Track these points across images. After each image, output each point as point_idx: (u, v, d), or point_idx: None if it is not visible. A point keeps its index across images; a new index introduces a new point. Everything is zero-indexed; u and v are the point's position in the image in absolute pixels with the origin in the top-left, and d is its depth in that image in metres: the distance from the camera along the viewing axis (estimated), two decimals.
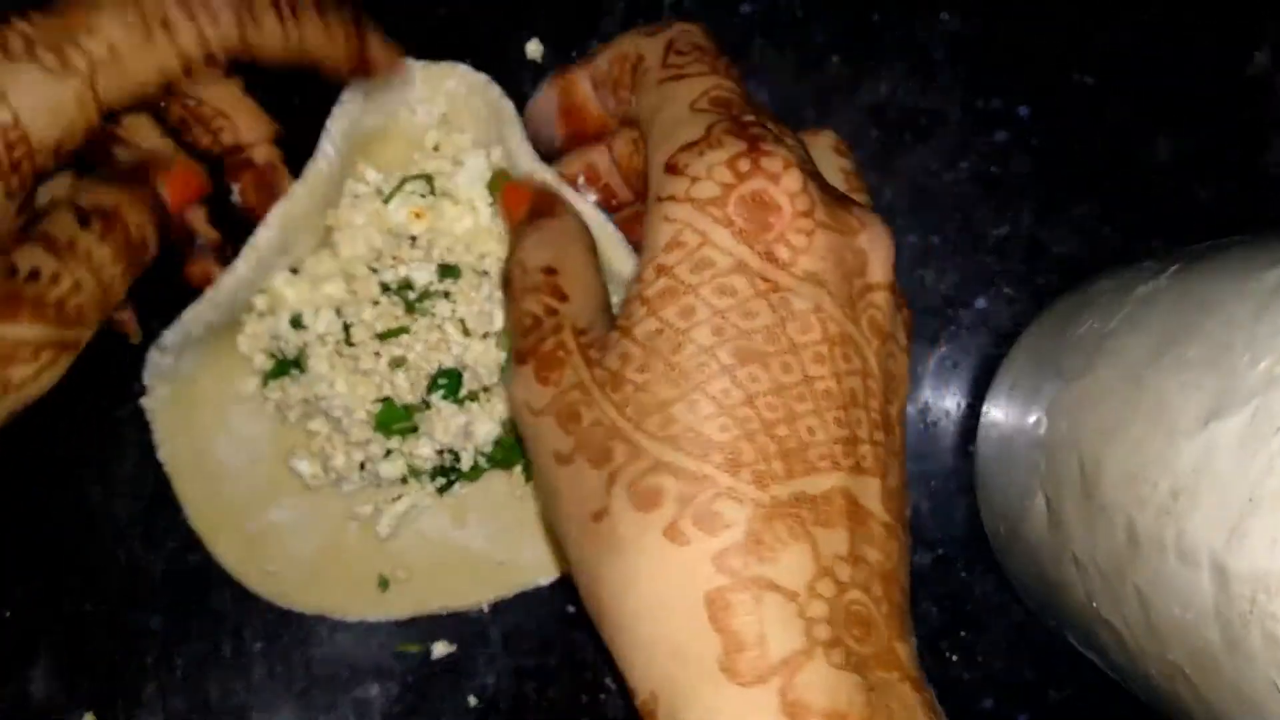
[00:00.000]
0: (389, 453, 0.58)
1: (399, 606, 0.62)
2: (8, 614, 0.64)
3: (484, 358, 0.56)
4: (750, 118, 0.43)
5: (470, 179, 0.56)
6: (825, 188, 0.42)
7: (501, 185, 0.54)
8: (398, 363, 0.56)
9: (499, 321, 0.56)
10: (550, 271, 0.46)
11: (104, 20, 0.42)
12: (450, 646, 0.64)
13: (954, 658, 0.65)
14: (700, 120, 0.42)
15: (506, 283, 0.47)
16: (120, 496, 0.64)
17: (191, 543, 0.63)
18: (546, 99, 0.53)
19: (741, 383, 0.39)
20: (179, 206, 0.52)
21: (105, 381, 0.63)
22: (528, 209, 0.51)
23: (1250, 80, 0.64)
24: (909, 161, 0.63)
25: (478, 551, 0.62)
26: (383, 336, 0.55)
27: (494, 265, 0.56)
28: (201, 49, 0.44)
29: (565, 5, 0.63)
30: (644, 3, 0.63)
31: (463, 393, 0.57)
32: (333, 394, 0.56)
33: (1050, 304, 0.63)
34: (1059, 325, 0.59)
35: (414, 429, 0.57)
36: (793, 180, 0.41)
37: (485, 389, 0.57)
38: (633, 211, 0.54)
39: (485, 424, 0.57)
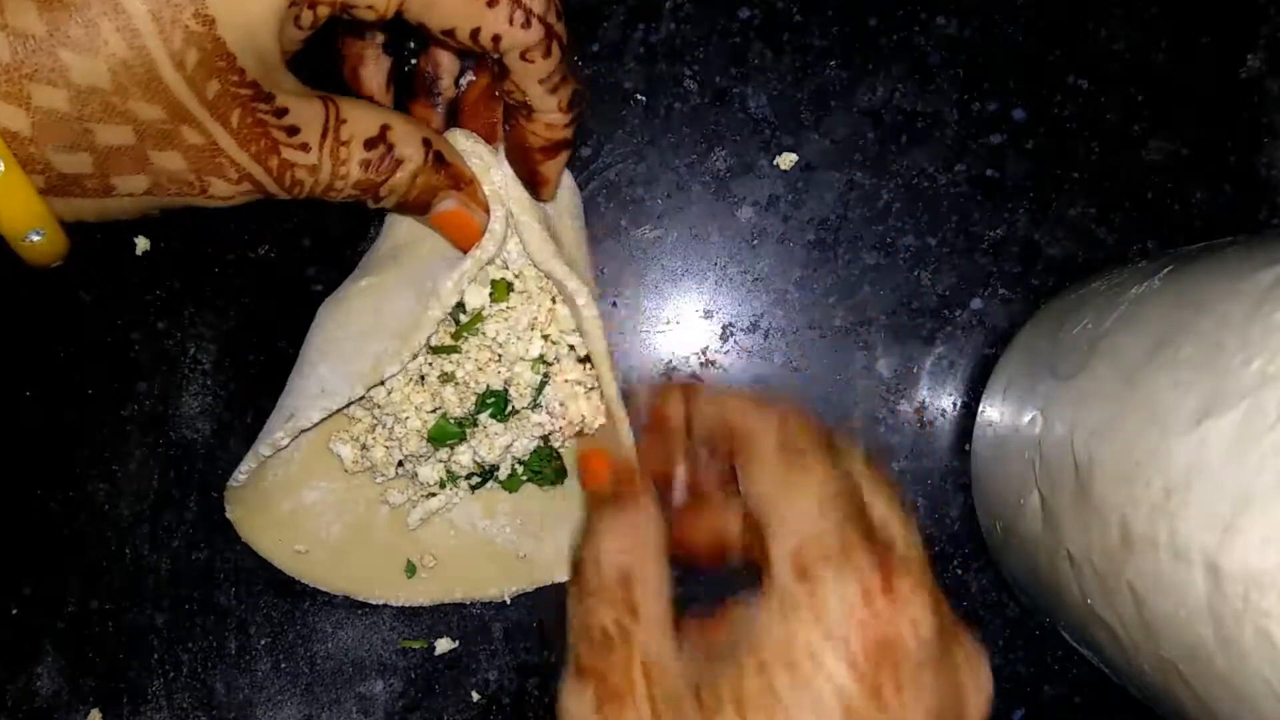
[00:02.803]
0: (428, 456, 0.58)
1: (424, 593, 0.62)
2: (14, 611, 0.64)
3: (525, 378, 0.56)
4: (878, 531, 0.42)
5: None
6: (943, 614, 0.42)
7: (581, 452, 0.53)
8: (447, 378, 0.56)
9: (536, 349, 0.56)
10: (626, 582, 0.45)
11: None
12: (453, 643, 0.64)
13: None
14: (832, 527, 0.41)
15: (576, 574, 0.46)
16: (126, 495, 0.64)
17: (196, 541, 0.64)
18: (641, 392, 0.53)
19: None
20: (433, 223, 0.52)
21: (110, 381, 0.63)
22: (608, 483, 0.49)
23: (1243, 83, 0.64)
24: (906, 164, 0.63)
25: (503, 544, 0.62)
26: (435, 350, 0.56)
27: (535, 287, 0.56)
28: (494, 34, 0.45)
29: (566, 10, 0.63)
30: (643, 10, 0.63)
31: (507, 411, 0.57)
32: (388, 400, 0.56)
33: (1045, 304, 0.63)
34: (1054, 325, 0.59)
35: (461, 438, 0.57)
36: (923, 617, 0.40)
37: (525, 408, 0.57)
38: (693, 514, 0.52)
39: (524, 440, 0.57)
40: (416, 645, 0.64)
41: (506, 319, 0.55)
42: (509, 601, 0.63)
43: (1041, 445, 0.54)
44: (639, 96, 0.63)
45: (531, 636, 0.64)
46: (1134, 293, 0.52)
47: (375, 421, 0.58)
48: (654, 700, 0.41)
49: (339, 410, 0.54)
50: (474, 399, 0.56)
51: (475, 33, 0.45)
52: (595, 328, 0.53)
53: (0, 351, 0.64)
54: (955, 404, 0.65)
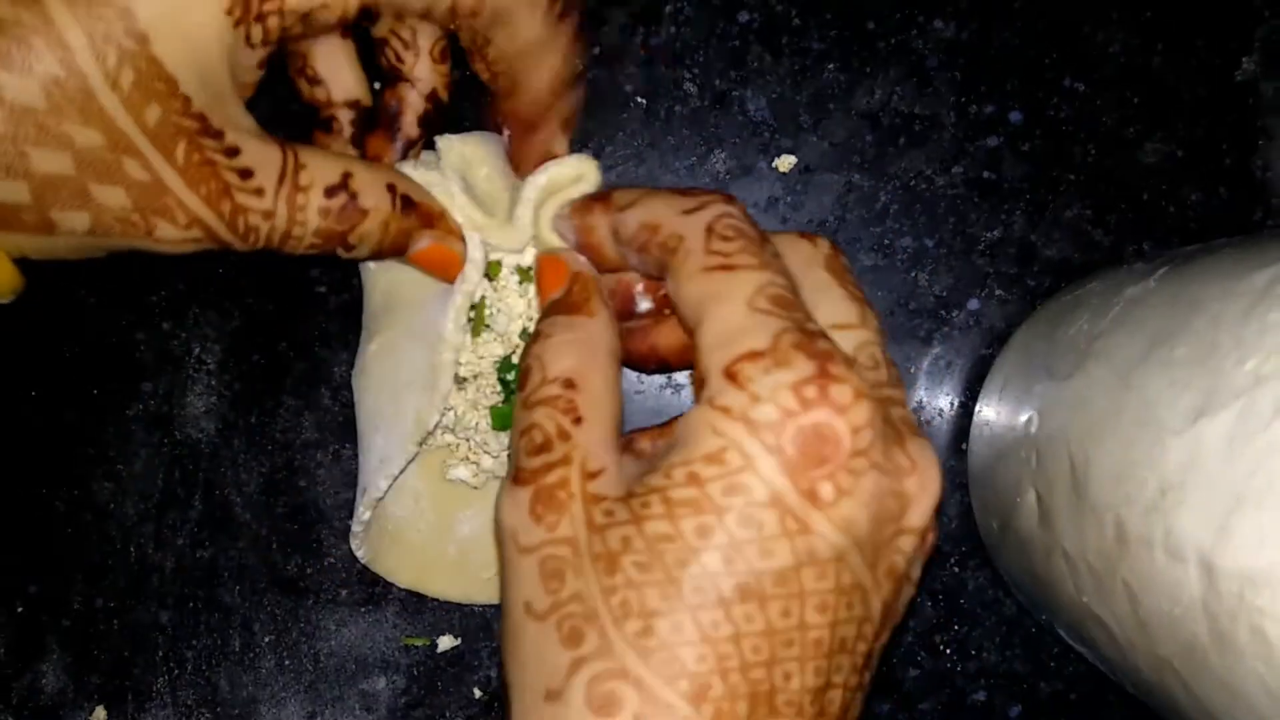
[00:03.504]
0: None
1: None
2: (20, 609, 0.64)
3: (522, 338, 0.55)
4: (815, 327, 0.40)
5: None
6: (887, 418, 0.41)
7: (539, 258, 0.51)
8: (475, 374, 0.56)
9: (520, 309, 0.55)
10: (570, 385, 0.43)
11: None
12: (455, 640, 0.65)
13: (947, 651, 0.65)
14: (763, 326, 0.40)
15: (523, 377, 0.45)
16: (130, 494, 0.64)
17: (200, 540, 0.64)
18: (563, 222, 0.50)
19: (734, 619, 0.37)
20: (413, 264, 0.52)
21: (115, 381, 0.64)
22: (562, 289, 0.49)
23: (1238, 86, 0.64)
24: (903, 166, 0.64)
25: None
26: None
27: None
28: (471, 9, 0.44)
29: None
30: (643, 13, 0.63)
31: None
32: (457, 422, 0.56)
33: (1042, 305, 0.63)
34: (1050, 326, 0.59)
35: None
36: (859, 415, 0.38)
37: None
38: (640, 325, 0.51)
39: None
40: (419, 643, 0.65)
41: (501, 299, 0.55)
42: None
43: (1038, 444, 0.54)
44: (639, 99, 0.63)
45: None
46: (1130, 293, 0.53)
47: (462, 440, 0.57)
48: (588, 505, 0.40)
49: (402, 470, 0.54)
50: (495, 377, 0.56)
51: (453, 8, 0.44)
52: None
53: (4, 351, 0.64)
54: (952, 404, 0.65)
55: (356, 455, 0.64)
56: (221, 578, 0.65)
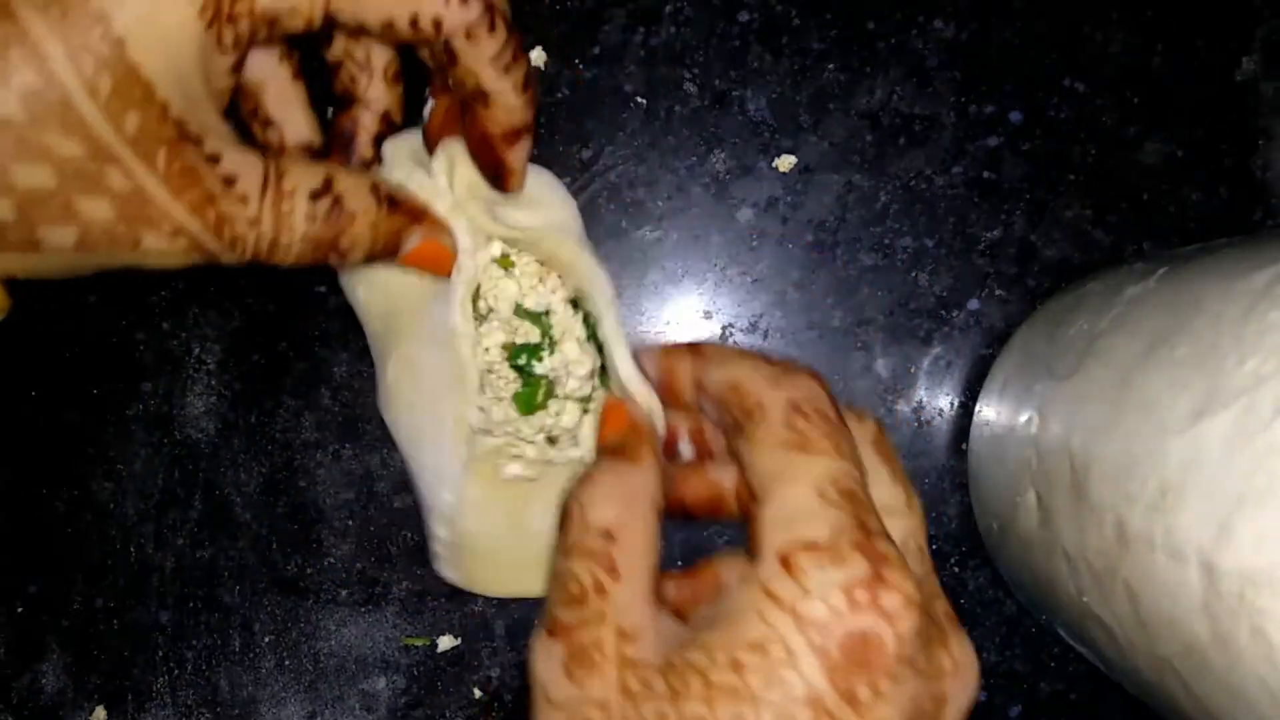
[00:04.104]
0: (554, 439, 0.57)
1: None
2: (20, 609, 0.64)
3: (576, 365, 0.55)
4: (876, 524, 0.40)
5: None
6: (932, 618, 0.41)
7: (606, 402, 0.51)
8: (486, 369, 0.55)
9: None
10: (609, 537, 0.43)
11: None
12: (455, 640, 0.65)
13: None
14: (826, 517, 0.39)
15: (563, 520, 0.44)
16: (130, 494, 0.64)
17: (200, 539, 0.64)
18: (649, 359, 0.50)
19: None
20: (407, 264, 0.51)
21: (115, 381, 0.64)
22: (618, 436, 0.48)
23: (1239, 86, 0.64)
24: (904, 166, 0.64)
25: None
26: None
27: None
28: (434, 19, 0.44)
29: (566, 14, 0.63)
30: (643, 13, 0.63)
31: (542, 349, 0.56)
32: (493, 422, 0.56)
33: (1042, 305, 0.63)
34: (1050, 326, 0.59)
35: (544, 406, 0.56)
36: (907, 623, 0.38)
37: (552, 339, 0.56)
38: (673, 473, 0.51)
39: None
40: (419, 643, 0.65)
41: (493, 286, 0.55)
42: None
43: (1038, 445, 0.54)
44: (639, 99, 0.63)
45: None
46: (1129, 294, 0.53)
47: (501, 437, 0.57)
48: (623, 670, 0.40)
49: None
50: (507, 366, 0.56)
51: (414, 20, 0.43)
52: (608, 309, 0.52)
53: (4, 351, 0.64)
54: (952, 404, 0.65)
55: (356, 455, 0.64)
56: (221, 578, 0.65)
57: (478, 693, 0.65)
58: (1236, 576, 0.39)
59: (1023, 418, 0.57)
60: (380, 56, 0.52)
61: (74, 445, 0.64)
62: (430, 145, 0.53)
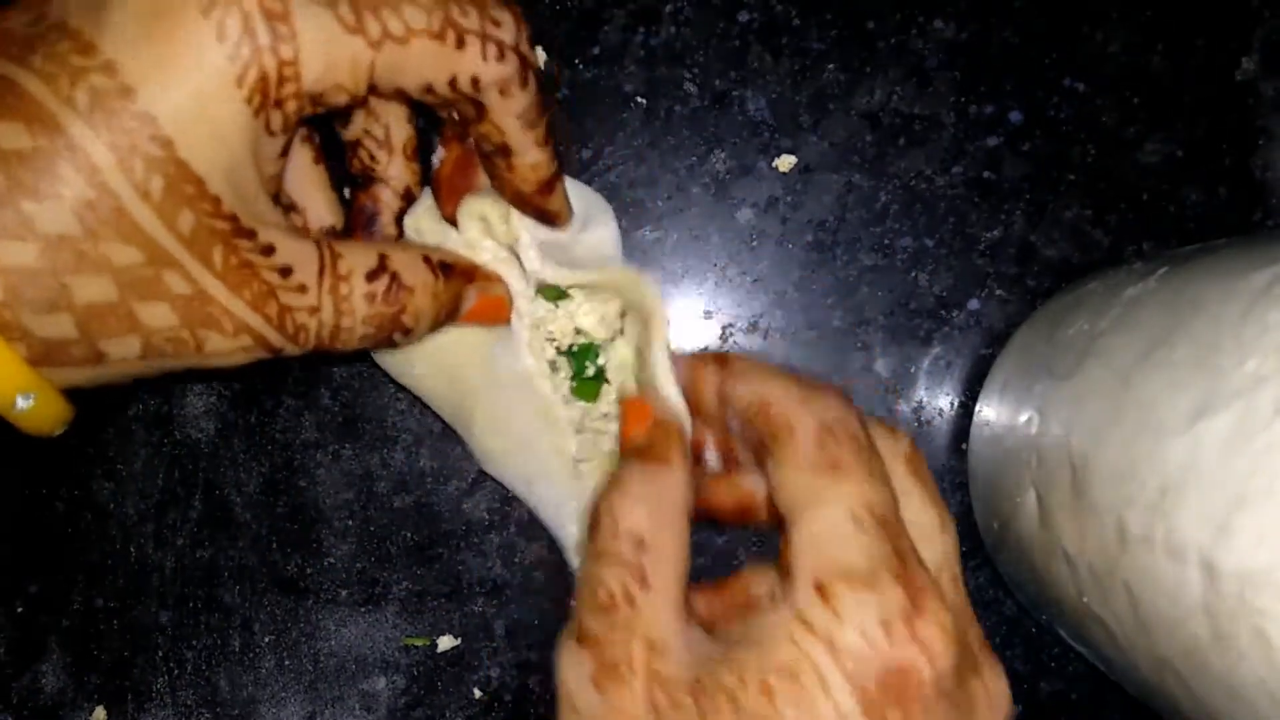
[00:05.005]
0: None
1: None
2: (20, 609, 0.64)
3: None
4: (912, 552, 0.40)
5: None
6: (967, 651, 0.40)
7: (624, 400, 0.51)
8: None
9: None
10: (640, 544, 0.43)
11: (412, 7, 0.41)
12: (455, 640, 0.65)
13: None
14: (863, 546, 0.39)
15: (593, 525, 0.44)
16: (130, 494, 0.64)
17: (200, 539, 0.64)
18: (677, 365, 0.50)
19: None
20: (467, 321, 0.51)
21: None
22: (644, 436, 0.48)
23: (1238, 86, 0.64)
24: (904, 166, 0.64)
25: None
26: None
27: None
28: (472, 77, 0.43)
29: (566, 14, 0.63)
30: (643, 13, 0.63)
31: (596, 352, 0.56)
32: (578, 420, 0.56)
33: (1041, 305, 0.63)
34: (1050, 326, 0.59)
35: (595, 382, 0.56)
36: (945, 657, 0.38)
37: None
38: (723, 479, 0.51)
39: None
40: (419, 643, 0.65)
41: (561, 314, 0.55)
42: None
43: (1038, 445, 0.54)
44: (639, 99, 0.63)
45: (533, 634, 0.65)
46: (1129, 294, 0.53)
47: (585, 436, 0.57)
48: (651, 684, 0.40)
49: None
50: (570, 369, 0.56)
51: (453, 81, 0.43)
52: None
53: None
54: (952, 404, 0.66)
55: (356, 455, 0.64)
56: (221, 577, 0.65)
57: (477, 693, 0.65)
58: (1236, 576, 0.39)
59: (1023, 418, 0.57)
60: (399, 134, 0.52)
61: (74, 445, 0.64)
62: (438, 192, 0.53)
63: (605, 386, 0.56)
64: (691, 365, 0.49)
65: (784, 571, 0.41)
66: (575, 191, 0.54)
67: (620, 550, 0.43)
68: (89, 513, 0.65)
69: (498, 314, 0.52)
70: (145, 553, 0.65)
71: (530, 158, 0.48)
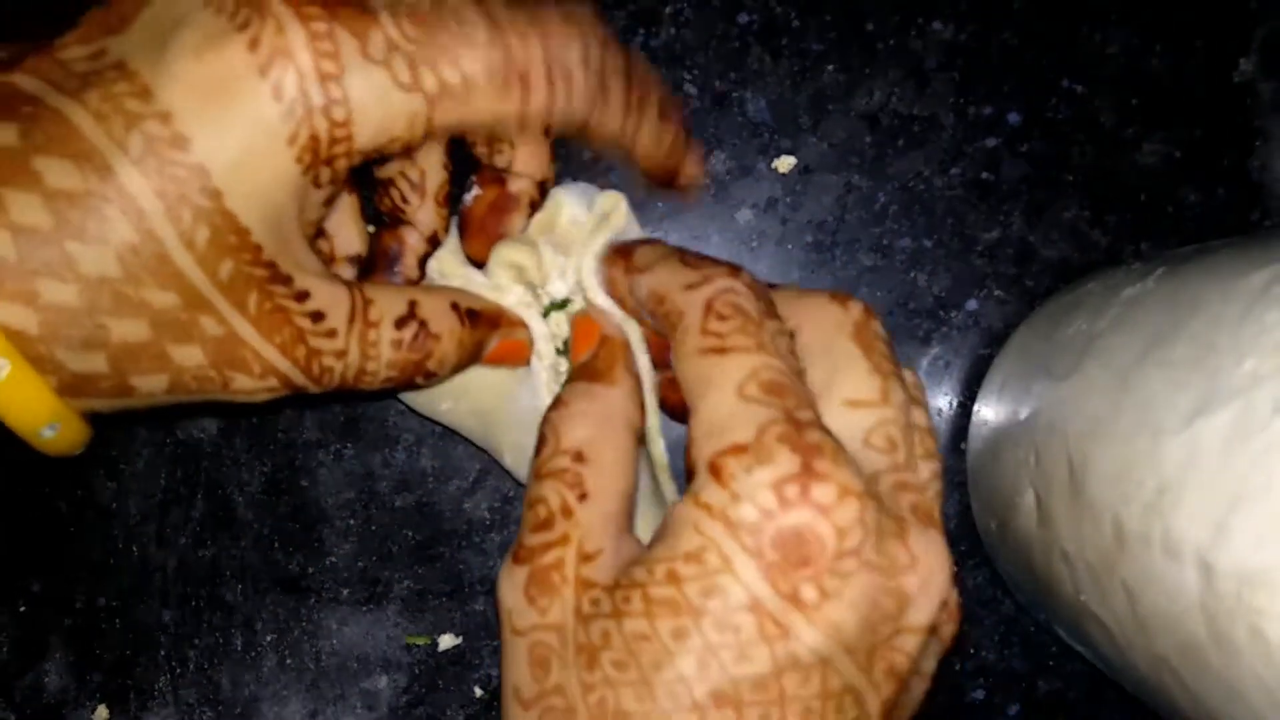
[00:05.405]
0: None
1: None
2: (22, 608, 0.65)
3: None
4: (806, 414, 0.39)
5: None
6: (882, 511, 0.38)
7: (575, 319, 0.51)
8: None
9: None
10: (580, 458, 0.43)
11: (469, 57, 0.41)
12: (456, 639, 0.65)
13: None
14: (750, 416, 0.38)
15: (538, 445, 0.44)
16: (133, 493, 0.65)
17: (203, 538, 0.64)
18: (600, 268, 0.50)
19: None
20: (488, 363, 0.51)
21: None
22: (591, 353, 0.48)
23: (1236, 87, 0.64)
24: (902, 167, 0.64)
25: None
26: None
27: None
28: (545, 115, 0.43)
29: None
30: (643, 15, 0.63)
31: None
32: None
33: (1040, 306, 0.63)
34: (1048, 326, 0.59)
35: None
36: (846, 513, 0.37)
37: None
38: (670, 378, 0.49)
39: None
40: (420, 642, 0.65)
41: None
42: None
43: (1036, 444, 0.54)
44: None
45: None
46: (1128, 294, 0.53)
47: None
48: (579, 592, 0.39)
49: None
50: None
51: (522, 119, 0.43)
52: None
53: None
54: (951, 403, 0.66)
55: (357, 454, 0.64)
56: (224, 576, 0.65)
57: (479, 691, 0.65)
58: (1234, 576, 0.39)
59: (1021, 417, 0.57)
60: (434, 179, 0.52)
61: None
62: (466, 230, 0.53)
63: None
64: (606, 265, 0.49)
65: (688, 465, 0.40)
66: (584, 195, 0.54)
67: (559, 464, 0.43)
68: (91, 512, 0.65)
69: (518, 357, 0.52)
70: (148, 552, 0.65)
71: (649, 145, 0.48)
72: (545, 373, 0.53)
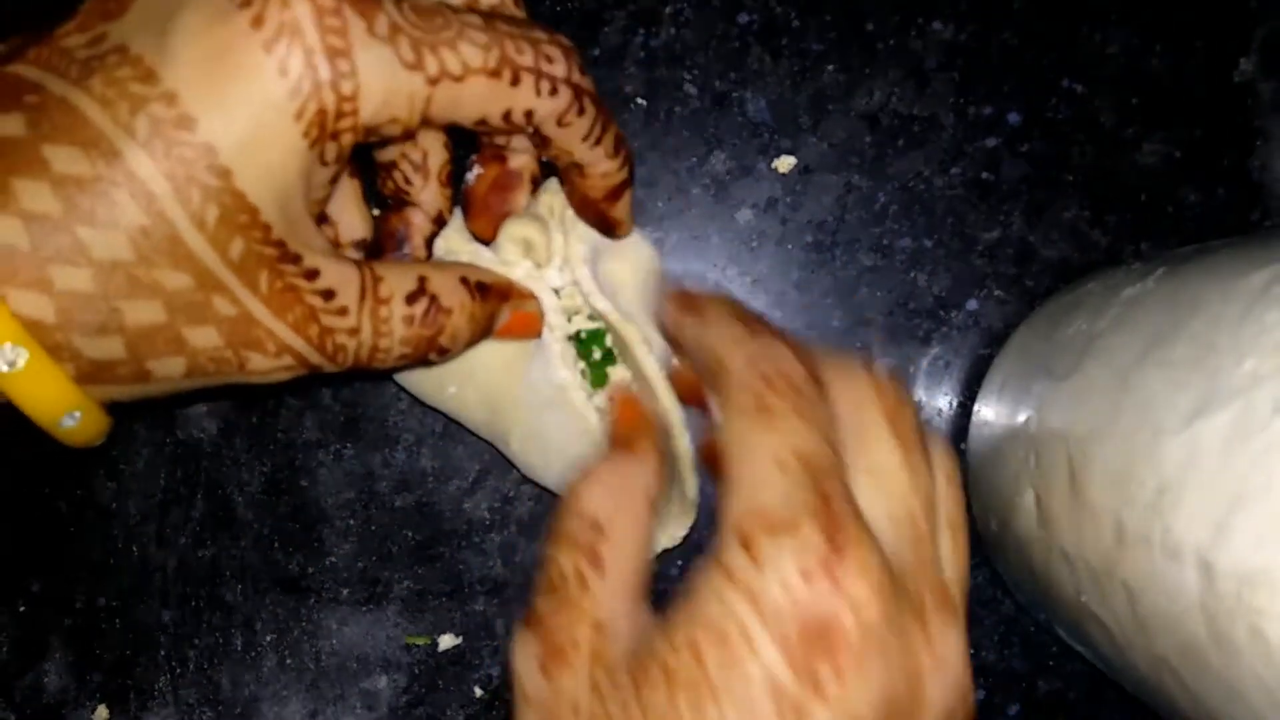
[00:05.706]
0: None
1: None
2: (22, 608, 0.65)
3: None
4: (839, 491, 0.38)
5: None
6: (903, 597, 0.38)
7: (619, 395, 0.52)
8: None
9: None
10: (598, 528, 0.42)
11: (470, 46, 0.42)
12: (456, 639, 0.65)
13: None
14: (784, 489, 0.38)
15: (560, 510, 0.44)
16: (133, 493, 0.65)
17: (203, 539, 0.64)
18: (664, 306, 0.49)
19: None
20: (500, 337, 0.52)
21: None
22: (624, 428, 0.49)
23: (1236, 87, 0.64)
24: (903, 167, 0.64)
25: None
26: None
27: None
28: (527, 111, 0.44)
29: (566, 15, 0.63)
30: (643, 14, 0.63)
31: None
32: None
33: (1040, 306, 0.63)
34: (1048, 326, 0.59)
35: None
36: (870, 603, 0.36)
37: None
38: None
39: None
40: (420, 642, 0.65)
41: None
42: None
43: (1036, 444, 0.54)
44: (639, 101, 0.64)
45: None
46: (1128, 294, 0.53)
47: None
48: (594, 666, 0.39)
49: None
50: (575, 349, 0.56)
51: (507, 115, 0.44)
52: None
53: None
54: (951, 404, 0.66)
55: (357, 454, 0.64)
56: (223, 577, 0.65)
57: (479, 691, 0.65)
58: (1234, 576, 0.39)
59: (1021, 418, 0.57)
60: (436, 159, 0.52)
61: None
62: (470, 208, 0.53)
63: (610, 369, 0.56)
64: (666, 304, 0.49)
65: (718, 524, 0.39)
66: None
67: (576, 533, 0.43)
68: (91, 512, 0.65)
69: (530, 329, 0.53)
70: (147, 552, 0.65)
71: (600, 168, 0.48)
72: (557, 345, 0.53)
